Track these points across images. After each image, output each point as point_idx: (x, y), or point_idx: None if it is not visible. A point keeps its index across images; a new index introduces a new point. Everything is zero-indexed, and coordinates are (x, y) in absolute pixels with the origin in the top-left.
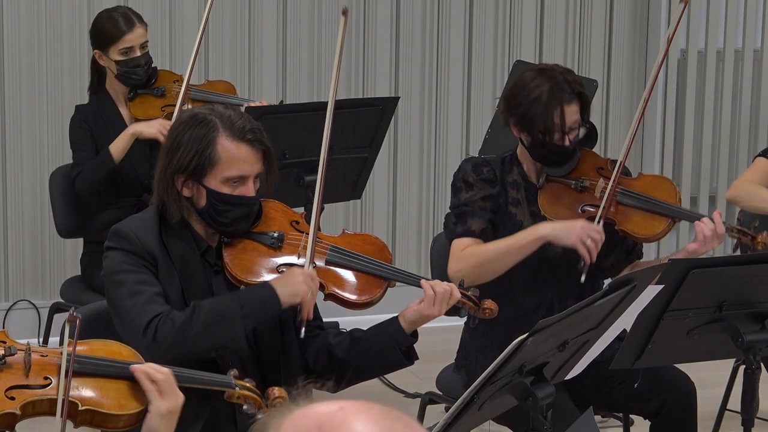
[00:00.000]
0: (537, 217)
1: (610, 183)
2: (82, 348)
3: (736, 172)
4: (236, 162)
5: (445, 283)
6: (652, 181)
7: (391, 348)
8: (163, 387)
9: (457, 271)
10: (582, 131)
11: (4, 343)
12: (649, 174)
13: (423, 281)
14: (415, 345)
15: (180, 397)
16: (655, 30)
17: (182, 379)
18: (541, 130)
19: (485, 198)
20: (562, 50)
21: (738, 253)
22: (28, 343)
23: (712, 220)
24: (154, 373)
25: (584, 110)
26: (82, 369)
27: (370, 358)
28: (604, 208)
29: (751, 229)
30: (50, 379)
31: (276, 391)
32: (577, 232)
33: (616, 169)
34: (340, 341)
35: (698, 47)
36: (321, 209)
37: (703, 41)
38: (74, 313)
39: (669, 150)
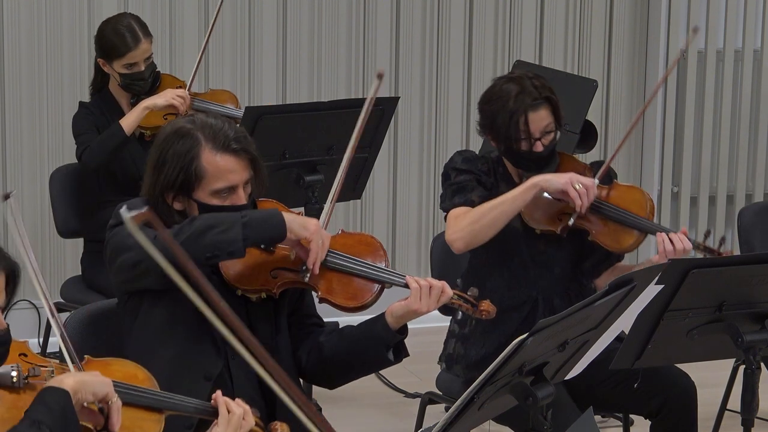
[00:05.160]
0: (519, 217)
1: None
2: (98, 369)
3: (736, 172)
4: (223, 174)
5: (436, 280)
6: (626, 192)
7: (376, 345)
8: (232, 420)
9: (453, 232)
10: (558, 135)
11: (25, 356)
12: (624, 184)
13: (407, 277)
14: (413, 345)
15: None
16: (655, 30)
17: (190, 409)
18: (507, 137)
19: (480, 183)
20: (562, 50)
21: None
22: (50, 362)
23: (671, 240)
24: (234, 406)
25: (556, 114)
26: None
27: (355, 355)
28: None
29: (718, 246)
30: None
31: (278, 426)
32: (567, 176)
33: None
34: (330, 338)
35: (698, 47)
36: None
37: (703, 41)
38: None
39: (669, 150)
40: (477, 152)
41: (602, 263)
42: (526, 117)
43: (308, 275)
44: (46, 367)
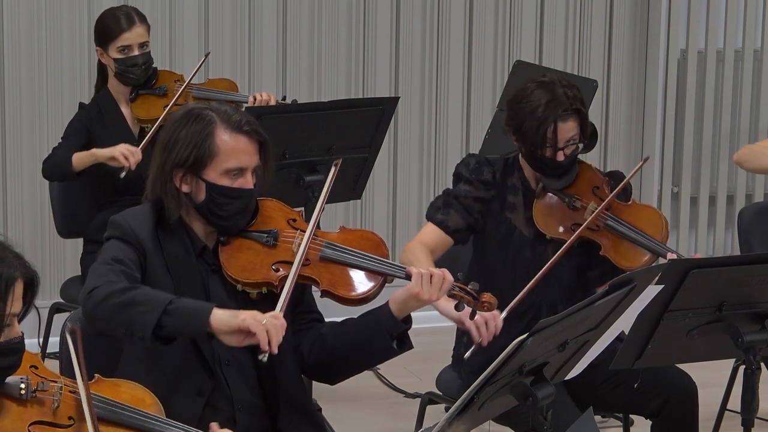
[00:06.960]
0: (532, 224)
1: (596, 210)
2: (107, 389)
3: (736, 172)
4: (235, 153)
5: (436, 269)
6: (643, 211)
7: (379, 333)
8: None
9: (408, 247)
10: (581, 147)
11: (36, 368)
12: (642, 204)
13: (408, 268)
14: (413, 344)
15: None
16: (655, 30)
17: None
18: (533, 143)
19: (477, 199)
20: (562, 50)
21: None
22: (60, 378)
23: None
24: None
25: (583, 126)
26: (107, 416)
27: (358, 344)
28: (580, 230)
29: None
30: (73, 419)
31: None
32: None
33: (605, 201)
34: (332, 329)
35: (698, 47)
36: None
37: (703, 41)
38: (74, 325)
39: (669, 150)
40: (477, 152)
41: (608, 274)
42: (555, 126)
43: (266, 357)
44: (55, 382)
